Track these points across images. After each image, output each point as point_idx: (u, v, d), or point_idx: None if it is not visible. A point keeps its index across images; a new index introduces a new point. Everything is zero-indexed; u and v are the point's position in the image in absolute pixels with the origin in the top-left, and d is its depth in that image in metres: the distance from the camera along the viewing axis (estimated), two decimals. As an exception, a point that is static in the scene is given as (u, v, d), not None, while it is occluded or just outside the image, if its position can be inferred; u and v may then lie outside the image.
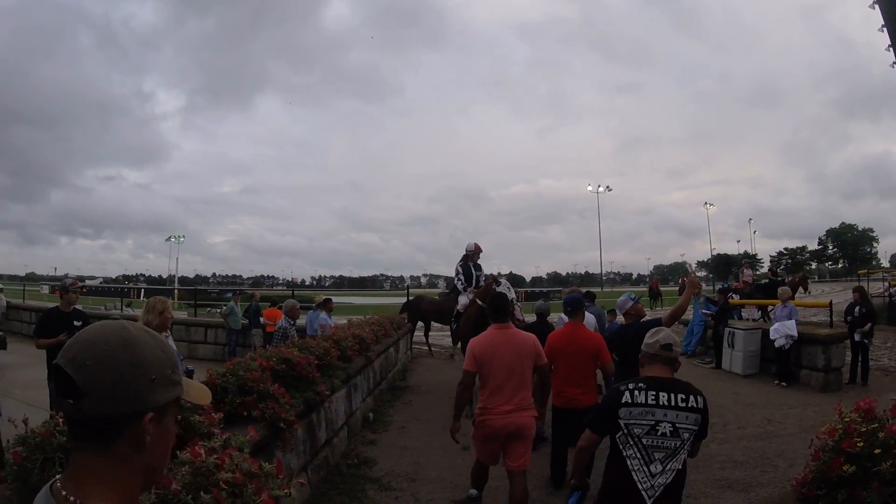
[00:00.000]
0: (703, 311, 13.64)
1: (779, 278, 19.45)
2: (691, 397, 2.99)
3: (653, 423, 2.93)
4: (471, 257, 10.44)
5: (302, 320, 11.41)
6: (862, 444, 2.60)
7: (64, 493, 0.97)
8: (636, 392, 2.97)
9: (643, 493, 2.90)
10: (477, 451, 4.80)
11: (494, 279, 8.57)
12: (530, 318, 9.49)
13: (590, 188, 64.50)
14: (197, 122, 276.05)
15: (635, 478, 2.93)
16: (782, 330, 10.61)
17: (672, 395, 2.96)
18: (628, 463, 2.96)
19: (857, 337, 10.26)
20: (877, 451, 2.54)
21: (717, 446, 6.71)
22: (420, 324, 14.91)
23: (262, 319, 14.16)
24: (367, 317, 11.59)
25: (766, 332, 11.50)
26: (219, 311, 17.61)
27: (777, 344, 10.68)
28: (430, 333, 15.38)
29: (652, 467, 2.92)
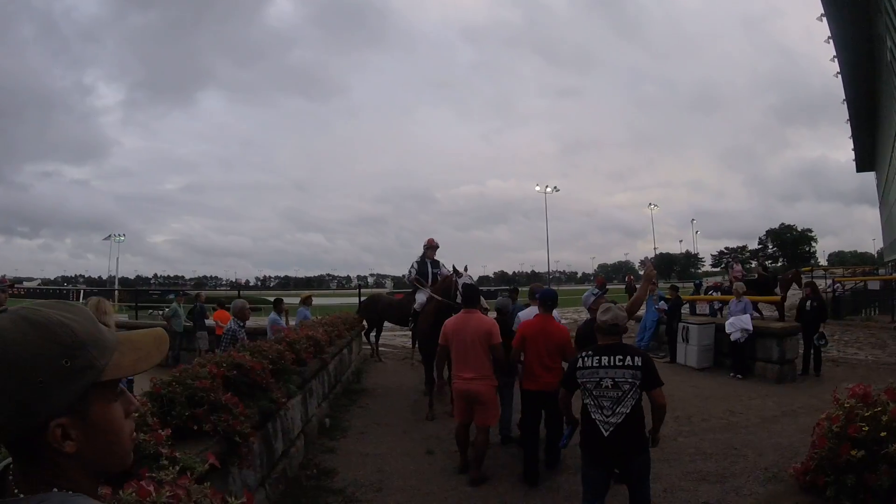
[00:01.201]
0: (656, 307, 13.72)
1: (769, 274, 19.36)
2: (628, 357, 3.87)
3: (597, 379, 3.88)
4: (426, 253, 10.03)
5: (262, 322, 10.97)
6: (867, 428, 2.60)
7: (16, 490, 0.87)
8: (586, 358, 3.98)
9: (600, 427, 3.84)
10: (455, 411, 6.12)
11: (456, 272, 8.24)
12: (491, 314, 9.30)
13: (537, 188, 64.74)
14: (138, 118, 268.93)
15: (594, 417, 3.89)
16: (738, 324, 10.78)
17: (612, 357, 3.87)
18: (588, 408, 3.95)
19: (815, 342, 10.50)
20: (882, 433, 2.54)
21: (684, 439, 6.68)
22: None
23: (207, 321, 13.58)
24: (319, 318, 11.14)
25: (719, 327, 11.71)
26: (161, 312, 16.83)
27: (733, 338, 10.86)
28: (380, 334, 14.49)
29: (604, 411, 3.84)
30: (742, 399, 8.71)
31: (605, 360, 3.87)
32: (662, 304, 13.95)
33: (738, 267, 19.45)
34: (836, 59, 25.19)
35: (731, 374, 10.79)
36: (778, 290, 16.80)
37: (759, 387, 9.71)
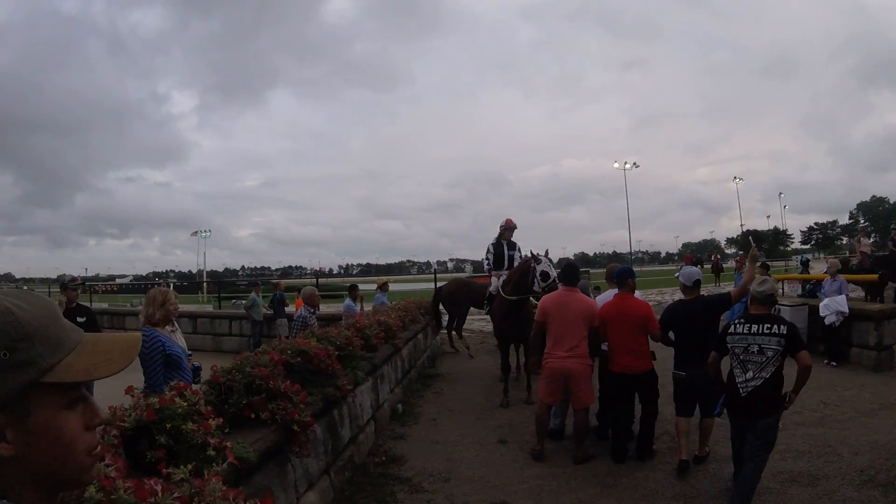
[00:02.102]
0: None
1: None
2: (776, 326, 4.24)
3: (746, 345, 4.29)
4: (503, 234, 9.65)
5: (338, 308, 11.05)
6: None
7: None
8: (738, 325, 4.38)
9: (739, 388, 4.31)
10: (541, 391, 5.89)
11: (535, 258, 7.86)
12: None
13: (616, 165, 62.13)
14: (212, 120, 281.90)
15: (736, 379, 4.34)
16: (832, 306, 9.91)
17: (761, 325, 4.25)
18: (733, 370, 4.40)
19: None
20: None
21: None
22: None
23: (287, 309, 13.85)
24: (394, 303, 11.10)
25: (812, 309, 10.78)
26: (242, 302, 17.36)
27: (827, 321, 9.97)
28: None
29: (746, 374, 4.28)
30: (836, 389, 8.00)
31: (754, 327, 4.26)
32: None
33: (865, 241, 16.98)
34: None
35: (825, 362, 9.89)
36: None
37: (855, 376, 8.93)
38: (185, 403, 2.83)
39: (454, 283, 12.77)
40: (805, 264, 15.31)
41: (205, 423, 2.79)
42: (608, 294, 6.34)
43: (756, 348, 4.23)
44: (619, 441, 5.67)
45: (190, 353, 5.17)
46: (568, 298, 5.73)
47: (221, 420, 2.96)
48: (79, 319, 5.94)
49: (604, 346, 5.87)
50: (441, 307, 12.67)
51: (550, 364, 5.67)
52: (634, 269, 6.80)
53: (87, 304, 6.92)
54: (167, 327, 4.76)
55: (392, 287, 14.00)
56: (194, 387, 3.82)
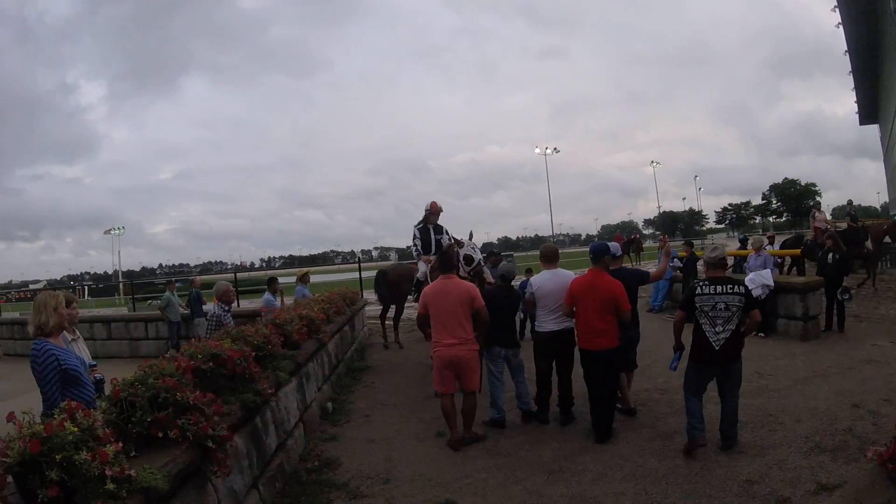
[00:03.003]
0: (670, 265, 13.22)
1: (859, 224, 16.48)
2: (735, 286, 5.05)
3: (713, 303, 4.99)
4: (428, 218, 9.32)
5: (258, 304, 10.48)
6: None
7: None
8: (704, 286, 5.09)
9: (712, 342, 4.98)
10: (435, 381, 5.87)
11: (458, 242, 7.63)
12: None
13: (537, 150, 62.93)
14: (124, 110, 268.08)
15: (707, 335, 5.02)
16: (758, 280, 10.15)
17: (723, 286, 5.03)
18: (703, 327, 5.05)
19: (839, 297, 9.94)
20: None
21: (714, 406, 6.08)
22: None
23: (205, 307, 13.11)
24: (317, 295, 10.61)
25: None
26: (157, 303, 16.40)
27: (754, 293, 10.16)
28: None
29: (716, 328, 4.98)
30: (769, 359, 8.20)
31: (718, 288, 5.02)
32: (676, 262, 13.47)
33: (819, 215, 17.05)
34: (836, 10, 24.43)
35: (754, 333, 10.18)
36: (869, 243, 15.10)
37: (784, 345, 9.23)
38: (76, 429, 2.40)
39: (399, 269, 11.97)
40: (743, 242, 15.65)
41: (100, 451, 2.37)
42: (544, 274, 6.22)
43: (723, 305, 4.97)
44: (601, 421, 5.66)
45: (94, 363, 4.62)
46: (448, 285, 5.72)
47: (121, 445, 2.54)
48: None
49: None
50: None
51: (439, 353, 5.68)
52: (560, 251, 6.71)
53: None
54: (69, 336, 4.21)
55: (315, 279, 13.41)
56: (97, 404, 3.36)
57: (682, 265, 13.35)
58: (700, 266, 13.35)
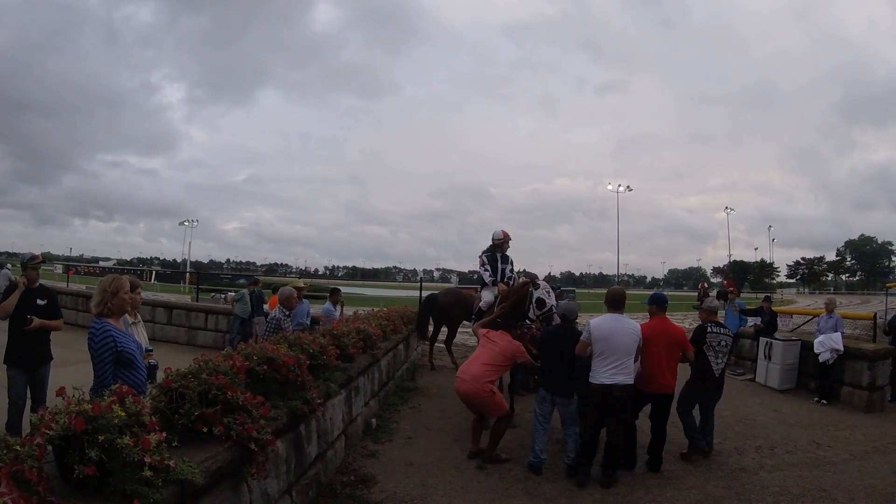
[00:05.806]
0: (751, 323, 12.72)
1: None
2: (727, 329, 6.67)
3: (719, 340, 6.46)
4: (499, 247, 9.17)
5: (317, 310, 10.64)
6: None
7: None
8: (713, 327, 6.58)
9: (714, 370, 6.43)
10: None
11: (532, 282, 7.25)
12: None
13: (609, 187, 62.65)
14: (202, 114, 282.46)
15: (711, 365, 6.43)
16: (828, 343, 9.72)
17: (721, 328, 6.62)
18: (709, 359, 6.41)
19: None
20: None
21: (767, 474, 5.89)
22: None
23: (265, 307, 13.38)
24: (376, 310, 10.66)
25: (805, 344, 10.65)
26: (223, 296, 16.84)
27: (821, 358, 9.77)
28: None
29: (717, 359, 6.45)
30: (829, 429, 7.79)
31: (721, 329, 6.58)
32: (750, 319, 12.88)
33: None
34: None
35: (816, 399, 9.70)
36: None
37: (846, 415, 8.74)
38: (124, 413, 2.44)
39: (452, 294, 12.04)
40: (722, 295, 14.75)
41: (144, 438, 2.40)
42: (606, 318, 5.79)
43: (725, 342, 6.50)
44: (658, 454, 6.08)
45: (150, 348, 4.74)
46: (499, 340, 6.33)
47: (165, 435, 2.56)
48: (39, 302, 5.38)
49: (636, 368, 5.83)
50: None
51: (456, 383, 6.25)
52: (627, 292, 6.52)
53: (47, 285, 6.23)
54: (129, 319, 4.34)
55: (375, 293, 13.51)
56: (147, 388, 3.42)
57: (761, 321, 12.49)
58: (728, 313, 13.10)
